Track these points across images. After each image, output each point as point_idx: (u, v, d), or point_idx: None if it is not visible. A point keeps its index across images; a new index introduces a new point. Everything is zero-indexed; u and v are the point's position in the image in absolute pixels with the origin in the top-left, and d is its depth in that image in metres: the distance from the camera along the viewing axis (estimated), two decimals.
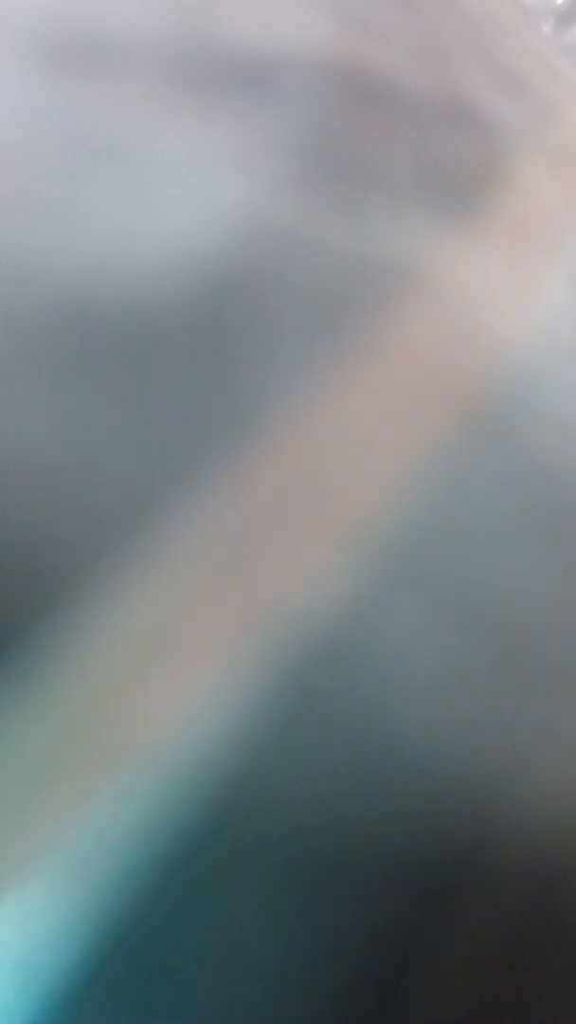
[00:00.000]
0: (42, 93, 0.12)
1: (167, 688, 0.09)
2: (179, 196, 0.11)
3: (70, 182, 0.11)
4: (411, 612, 0.10)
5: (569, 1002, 0.10)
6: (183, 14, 0.13)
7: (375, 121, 0.13)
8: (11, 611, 0.09)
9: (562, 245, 0.13)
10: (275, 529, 0.10)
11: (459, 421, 0.11)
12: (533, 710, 0.10)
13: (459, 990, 0.10)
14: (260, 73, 0.12)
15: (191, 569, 0.10)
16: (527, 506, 0.11)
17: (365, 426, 0.11)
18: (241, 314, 0.11)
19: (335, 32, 0.13)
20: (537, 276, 0.13)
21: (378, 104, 0.13)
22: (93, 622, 0.09)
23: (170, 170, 0.11)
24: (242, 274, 0.11)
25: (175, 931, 0.09)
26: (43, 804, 0.09)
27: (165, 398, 0.10)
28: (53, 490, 0.10)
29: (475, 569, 0.11)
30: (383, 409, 0.11)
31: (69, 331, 0.10)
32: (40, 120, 0.11)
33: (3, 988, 0.09)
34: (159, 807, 0.09)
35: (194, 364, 0.10)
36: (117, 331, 0.10)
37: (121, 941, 0.09)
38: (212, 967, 0.09)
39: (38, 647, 0.09)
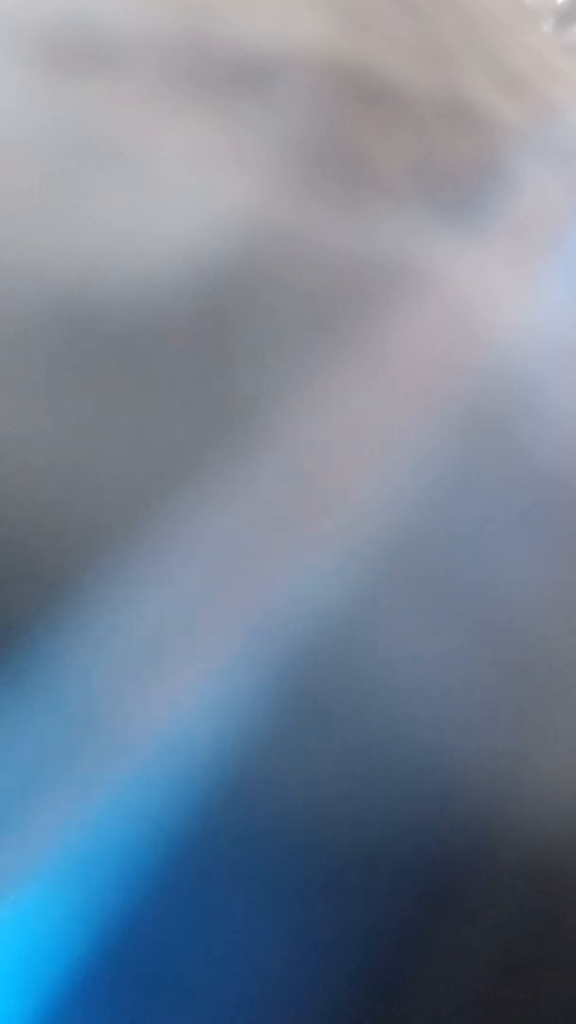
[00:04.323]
0: (41, 92, 0.12)
1: (167, 688, 0.09)
2: (178, 196, 0.11)
3: (70, 182, 0.11)
4: (411, 612, 0.10)
5: (570, 1003, 0.10)
6: (183, 14, 0.13)
7: (375, 121, 0.13)
8: (10, 611, 0.09)
9: (562, 245, 0.13)
10: (274, 529, 0.10)
11: (459, 421, 0.11)
12: (533, 710, 0.10)
13: (460, 991, 0.10)
14: (260, 73, 0.12)
15: (190, 568, 0.10)
16: (527, 506, 0.11)
17: (364, 426, 0.11)
18: (240, 314, 0.11)
19: (335, 32, 0.13)
20: (537, 276, 0.13)
21: (378, 104, 0.13)
22: (92, 622, 0.09)
23: (170, 170, 0.11)
24: (242, 274, 0.11)
25: (175, 932, 0.09)
26: (43, 804, 0.09)
27: (165, 397, 0.10)
28: (53, 490, 0.10)
29: (475, 569, 0.11)
30: (382, 409, 0.11)
31: (69, 331, 0.10)
32: (39, 120, 0.11)
33: (3, 988, 0.09)
34: (159, 807, 0.09)
35: (194, 364, 0.10)
36: (117, 331, 0.10)
37: (121, 941, 0.09)
38: (212, 968, 0.09)
39: (37, 647, 0.09)
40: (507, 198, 0.13)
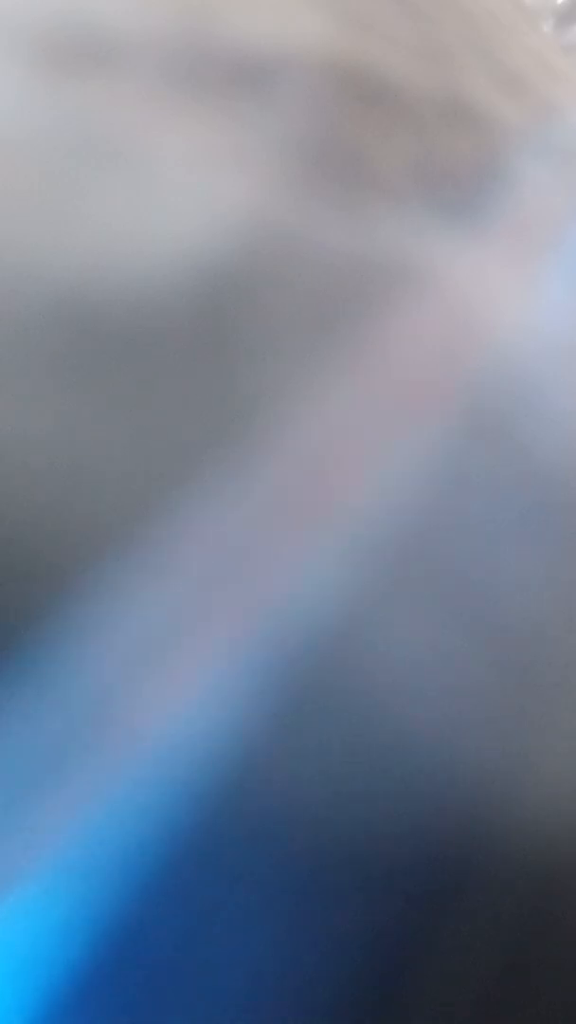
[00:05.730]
0: (41, 92, 0.12)
1: (167, 687, 0.09)
2: (178, 196, 0.11)
3: (70, 182, 0.11)
4: (411, 612, 0.10)
5: (570, 1003, 0.10)
6: (183, 14, 0.13)
7: (375, 121, 0.13)
8: (10, 610, 0.09)
9: (562, 245, 0.13)
10: (275, 529, 0.10)
11: (459, 420, 0.11)
12: (533, 710, 0.10)
13: (460, 991, 0.10)
14: (260, 73, 0.12)
15: (191, 568, 0.10)
16: (527, 505, 0.11)
17: (365, 426, 0.11)
18: (241, 313, 0.11)
19: (335, 32, 0.13)
20: (537, 276, 0.13)
21: (378, 104, 0.13)
22: (92, 621, 0.09)
23: (170, 170, 0.11)
24: (242, 274, 0.11)
25: (176, 931, 0.09)
26: (44, 803, 0.09)
27: (165, 397, 0.10)
28: (53, 490, 0.10)
29: (476, 569, 0.11)
30: (382, 409, 0.11)
31: (69, 331, 0.10)
32: (39, 120, 0.11)
33: (3, 988, 0.09)
34: (160, 806, 0.09)
35: (194, 363, 0.10)
36: (117, 331, 0.10)
37: (122, 941, 0.09)
38: (212, 968, 0.09)
39: (38, 646, 0.09)
40: (507, 198, 0.13)
